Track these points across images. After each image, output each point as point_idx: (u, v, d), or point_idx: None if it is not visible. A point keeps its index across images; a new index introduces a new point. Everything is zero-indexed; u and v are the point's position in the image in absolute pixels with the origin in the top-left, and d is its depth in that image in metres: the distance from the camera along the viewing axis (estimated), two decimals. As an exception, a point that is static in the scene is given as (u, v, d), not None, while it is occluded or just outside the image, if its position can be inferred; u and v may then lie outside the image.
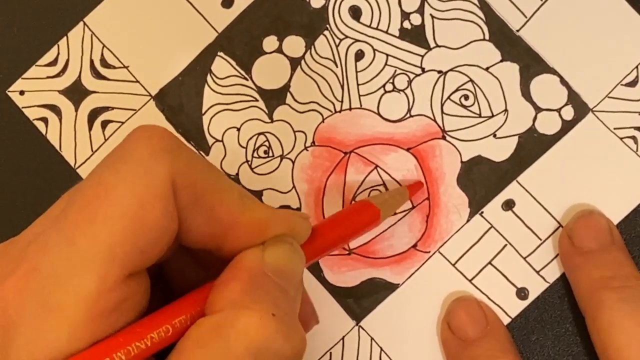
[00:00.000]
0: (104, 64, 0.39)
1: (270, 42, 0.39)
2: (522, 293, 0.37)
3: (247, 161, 0.38)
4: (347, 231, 0.32)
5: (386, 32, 0.38)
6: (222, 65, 0.39)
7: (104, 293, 0.24)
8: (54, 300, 0.24)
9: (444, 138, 0.38)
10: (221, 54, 0.39)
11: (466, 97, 0.38)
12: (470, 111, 0.38)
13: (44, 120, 0.39)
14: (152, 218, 0.25)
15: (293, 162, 0.38)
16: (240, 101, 0.38)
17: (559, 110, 0.38)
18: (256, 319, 0.25)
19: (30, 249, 0.25)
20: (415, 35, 0.38)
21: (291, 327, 0.26)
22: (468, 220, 0.37)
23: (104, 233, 0.24)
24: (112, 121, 0.39)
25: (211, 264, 0.29)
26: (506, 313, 0.37)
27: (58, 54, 0.39)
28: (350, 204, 0.38)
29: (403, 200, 0.36)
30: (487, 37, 0.38)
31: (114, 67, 0.39)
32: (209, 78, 0.39)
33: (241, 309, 0.25)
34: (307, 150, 0.38)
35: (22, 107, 0.39)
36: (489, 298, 0.37)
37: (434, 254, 0.37)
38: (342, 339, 0.37)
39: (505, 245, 0.37)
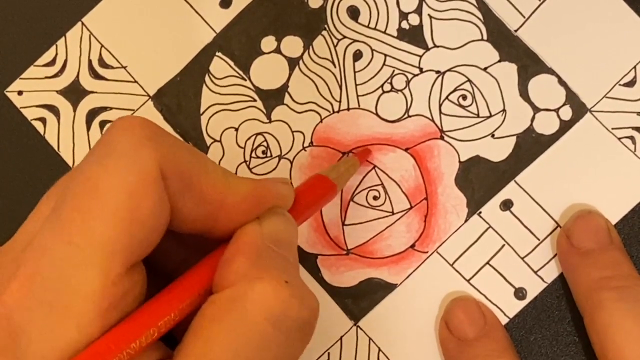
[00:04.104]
0: (102, 64, 0.39)
1: (268, 42, 0.39)
2: (520, 293, 0.37)
3: (245, 161, 0.38)
4: (311, 205, 0.32)
5: (384, 33, 0.38)
6: (220, 66, 0.39)
7: (109, 288, 0.24)
8: (60, 302, 0.24)
9: (442, 138, 0.38)
10: (219, 54, 0.39)
11: (464, 97, 0.38)
12: (468, 111, 0.38)
13: (42, 120, 0.39)
14: (146, 208, 0.25)
15: (291, 163, 0.38)
16: (239, 101, 0.38)
17: (557, 110, 0.38)
18: (270, 287, 0.25)
19: (27, 253, 0.25)
20: (414, 36, 0.38)
21: (304, 291, 0.27)
22: (466, 221, 0.37)
23: (101, 229, 0.24)
24: (110, 121, 0.39)
25: (195, 243, 0.29)
26: (504, 313, 0.37)
27: (56, 54, 0.39)
28: (348, 204, 0.38)
29: (354, 169, 0.36)
30: (485, 37, 0.38)
31: (112, 67, 0.39)
32: (207, 78, 0.39)
33: (253, 280, 0.26)
34: (305, 150, 0.38)
35: (20, 107, 0.39)
36: (487, 298, 0.37)
37: (432, 254, 0.37)
38: (340, 339, 0.37)
39: (503, 245, 0.37)
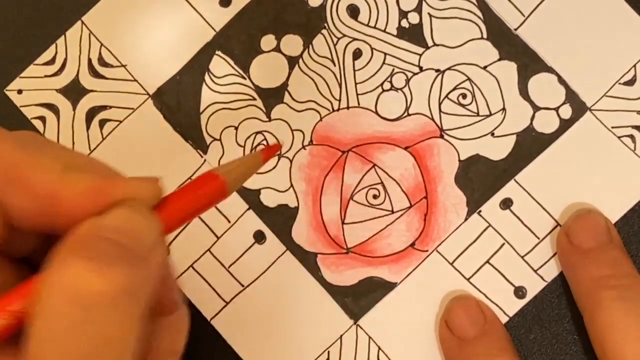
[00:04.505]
0: (102, 62, 0.39)
1: (268, 41, 0.39)
2: (520, 292, 0.37)
3: (245, 160, 0.38)
4: (193, 205, 0.29)
5: (384, 31, 0.38)
6: (220, 64, 0.39)
7: None
8: None
9: (441, 137, 0.38)
10: (219, 52, 0.39)
11: (464, 96, 0.38)
12: (468, 110, 0.38)
13: (42, 119, 0.39)
14: None
15: (291, 161, 0.38)
16: (238, 100, 0.38)
17: (556, 109, 0.38)
18: (71, 268, 0.24)
19: None
20: (413, 34, 0.38)
21: (111, 266, 0.25)
22: (466, 219, 0.37)
23: None
24: (110, 120, 0.39)
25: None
26: (504, 312, 0.37)
27: (56, 52, 0.39)
28: (348, 203, 0.38)
29: (256, 168, 0.32)
30: (485, 35, 0.38)
31: (112, 66, 0.39)
32: (206, 77, 0.39)
33: (56, 263, 0.25)
34: (305, 149, 0.38)
35: (20, 106, 0.39)
36: (487, 297, 0.37)
37: (431, 252, 0.37)
38: (340, 338, 0.37)
39: (503, 244, 0.37)
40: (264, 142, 0.38)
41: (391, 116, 0.38)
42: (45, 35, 0.39)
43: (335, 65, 0.38)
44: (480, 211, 0.37)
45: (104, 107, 0.39)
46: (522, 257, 0.37)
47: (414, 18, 0.38)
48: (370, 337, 0.37)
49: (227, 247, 0.38)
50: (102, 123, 0.39)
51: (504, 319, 0.37)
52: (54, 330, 0.24)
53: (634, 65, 0.37)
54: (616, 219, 0.37)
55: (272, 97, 0.38)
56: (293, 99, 0.38)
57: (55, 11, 0.39)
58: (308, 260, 0.38)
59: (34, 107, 0.39)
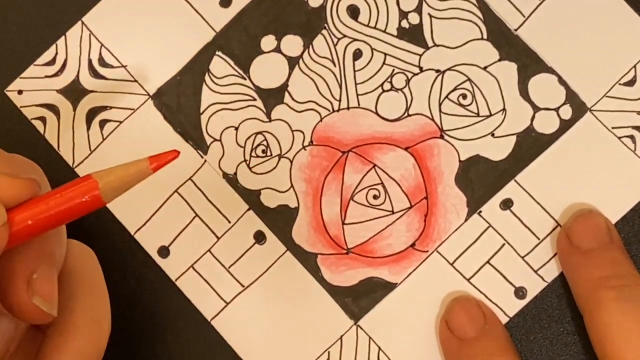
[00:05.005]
0: (102, 63, 0.39)
1: (268, 42, 0.39)
2: (520, 292, 0.37)
3: (245, 160, 0.38)
4: (60, 212, 0.27)
5: (384, 32, 0.38)
6: (220, 65, 0.39)
7: None
8: None
9: (442, 137, 0.38)
10: (219, 53, 0.39)
11: (464, 96, 0.38)
12: (468, 110, 0.38)
13: (42, 119, 0.39)
14: None
15: (291, 162, 0.38)
16: (238, 100, 0.38)
17: (557, 110, 0.38)
18: None
19: None
20: (413, 35, 0.38)
21: None
22: (466, 220, 0.37)
23: None
24: (110, 120, 0.39)
25: None
26: (504, 312, 0.37)
27: (56, 53, 0.39)
28: (348, 203, 0.38)
29: (141, 174, 0.28)
30: (485, 36, 0.38)
31: (112, 67, 0.39)
32: (207, 77, 0.39)
33: None
34: (305, 149, 0.38)
35: (20, 107, 0.39)
36: (487, 297, 0.37)
37: (432, 253, 0.37)
38: (340, 338, 0.37)
39: (504, 244, 0.37)
40: (264, 143, 0.38)
41: (391, 116, 0.38)
42: (45, 35, 0.39)
43: (335, 65, 0.38)
44: (480, 212, 0.37)
45: (104, 108, 0.39)
46: (523, 257, 0.37)
47: (414, 18, 0.38)
48: (370, 338, 0.37)
49: (227, 247, 0.38)
50: (103, 123, 0.39)
51: (504, 320, 0.37)
52: None
53: (634, 66, 0.37)
54: (616, 220, 0.37)
55: (272, 97, 0.38)
56: (293, 99, 0.38)
57: (55, 11, 0.39)
58: (308, 260, 0.38)
59: (34, 107, 0.39)
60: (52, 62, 0.39)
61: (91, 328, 0.29)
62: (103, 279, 0.31)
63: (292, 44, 0.38)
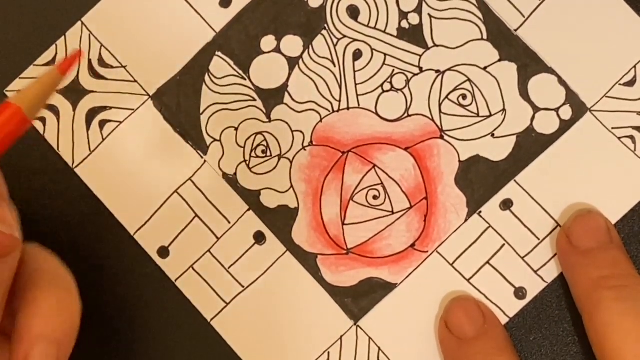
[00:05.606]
0: (102, 63, 0.39)
1: (268, 42, 0.39)
2: (520, 293, 0.37)
3: (245, 161, 0.38)
4: None
5: (384, 32, 0.38)
6: (220, 65, 0.39)
7: None
8: None
9: (442, 137, 0.38)
10: (219, 53, 0.39)
11: (464, 97, 0.38)
12: (468, 111, 0.38)
13: (42, 120, 0.39)
14: None
15: (291, 162, 0.38)
16: (238, 101, 0.38)
17: (557, 110, 0.38)
18: None
19: None
20: (413, 35, 0.38)
21: None
22: (466, 220, 0.37)
23: None
24: (110, 121, 0.39)
25: None
26: (504, 313, 0.37)
27: (56, 53, 0.39)
28: (348, 203, 0.38)
29: (54, 83, 0.29)
30: (485, 36, 0.38)
31: (112, 67, 0.39)
32: (206, 77, 0.39)
33: None
34: (305, 149, 0.38)
35: (20, 107, 0.39)
36: (487, 298, 0.37)
37: (432, 253, 0.37)
38: (340, 338, 0.37)
39: (503, 244, 0.37)
40: (264, 143, 0.38)
41: (391, 117, 0.38)
42: (45, 35, 0.39)
43: (335, 66, 0.38)
44: (480, 212, 0.37)
45: (104, 108, 0.39)
46: (522, 257, 0.37)
47: (414, 19, 0.38)
48: (370, 338, 0.37)
49: (227, 248, 0.38)
50: (102, 124, 0.39)
51: (504, 320, 0.37)
52: None
53: (634, 66, 0.37)
54: (616, 220, 0.37)
55: (272, 97, 0.38)
56: (293, 99, 0.38)
57: (55, 12, 0.39)
58: (308, 261, 0.38)
59: (34, 108, 0.39)
60: (52, 62, 0.39)
61: (58, 313, 0.30)
62: (67, 273, 0.32)
63: (292, 44, 0.38)
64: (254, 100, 0.38)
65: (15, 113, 0.27)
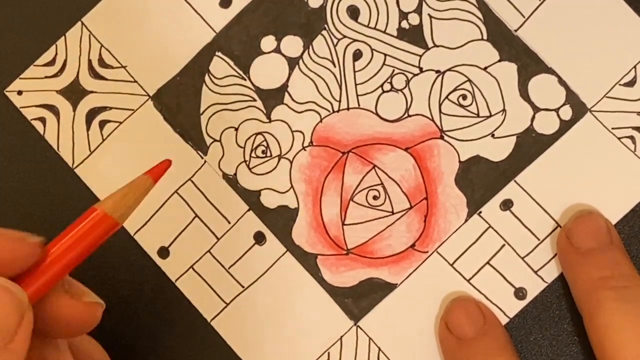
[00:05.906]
0: (102, 63, 0.39)
1: (268, 42, 0.39)
2: (520, 293, 0.37)
3: (245, 161, 0.38)
4: (85, 249, 0.29)
5: (384, 32, 0.38)
6: (220, 65, 0.39)
7: None
8: None
9: (442, 138, 0.38)
10: (219, 53, 0.39)
11: (464, 97, 0.38)
12: (468, 111, 0.38)
13: (42, 120, 0.39)
14: None
15: (291, 162, 0.38)
16: (238, 101, 0.38)
17: (557, 110, 0.38)
18: None
19: None
20: (413, 35, 0.38)
21: None
22: (466, 220, 0.37)
23: None
24: (110, 121, 0.39)
25: None
26: (504, 313, 0.37)
27: (56, 53, 0.39)
28: (348, 204, 0.38)
29: (145, 190, 0.31)
30: (485, 37, 0.38)
31: (112, 67, 0.39)
32: (206, 78, 0.39)
33: None
34: (305, 150, 0.38)
35: (20, 107, 0.39)
36: (487, 298, 0.37)
37: (432, 254, 0.37)
38: (340, 339, 0.37)
39: (504, 245, 0.37)
40: (264, 144, 0.38)
41: (391, 117, 0.38)
42: (45, 36, 0.39)
43: (335, 66, 0.38)
44: (480, 212, 0.37)
45: (104, 108, 0.39)
46: (523, 258, 0.37)
47: (414, 19, 0.38)
48: (370, 338, 0.37)
49: (227, 248, 0.38)
50: (102, 124, 0.39)
51: (504, 320, 0.37)
52: None
53: (634, 66, 0.37)
54: (616, 220, 0.37)
55: (272, 98, 0.38)
56: (293, 100, 0.38)
57: (55, 12, 0.39)
58: (308, 261, 0.38)
59: (34, 108, 0.39)
60: (52, 62, 0.39)
61: None
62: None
63: (292, 44, 0.38)
64: (254, 100, 0.38)
65: (111, 225, 0.29)
